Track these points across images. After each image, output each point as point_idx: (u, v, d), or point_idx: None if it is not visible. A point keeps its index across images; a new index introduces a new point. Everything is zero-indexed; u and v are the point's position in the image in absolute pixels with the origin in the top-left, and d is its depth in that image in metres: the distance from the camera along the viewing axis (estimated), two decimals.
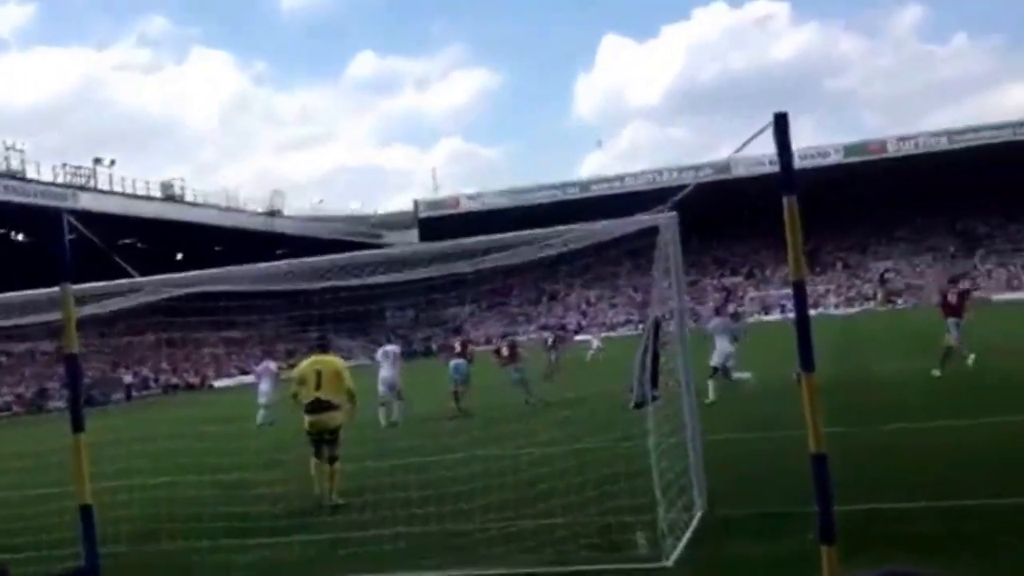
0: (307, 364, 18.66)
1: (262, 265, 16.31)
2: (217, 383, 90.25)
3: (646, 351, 13.73)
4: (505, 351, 35.14)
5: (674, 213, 13.93)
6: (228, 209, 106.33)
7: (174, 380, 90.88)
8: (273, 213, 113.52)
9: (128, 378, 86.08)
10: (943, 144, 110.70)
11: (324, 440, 17.74)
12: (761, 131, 8.73)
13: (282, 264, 17.01)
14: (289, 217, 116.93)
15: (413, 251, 18.90)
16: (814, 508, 8.28)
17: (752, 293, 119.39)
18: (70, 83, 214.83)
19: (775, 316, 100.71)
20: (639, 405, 13.64)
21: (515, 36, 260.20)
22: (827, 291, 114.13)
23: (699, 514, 13.38)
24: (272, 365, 41.81)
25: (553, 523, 13.27)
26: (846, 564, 8.21)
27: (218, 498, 18.00)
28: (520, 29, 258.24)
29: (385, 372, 32.17)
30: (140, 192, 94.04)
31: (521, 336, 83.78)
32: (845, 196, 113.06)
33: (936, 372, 28.25)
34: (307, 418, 17.90)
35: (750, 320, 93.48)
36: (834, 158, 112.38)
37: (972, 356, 29.26)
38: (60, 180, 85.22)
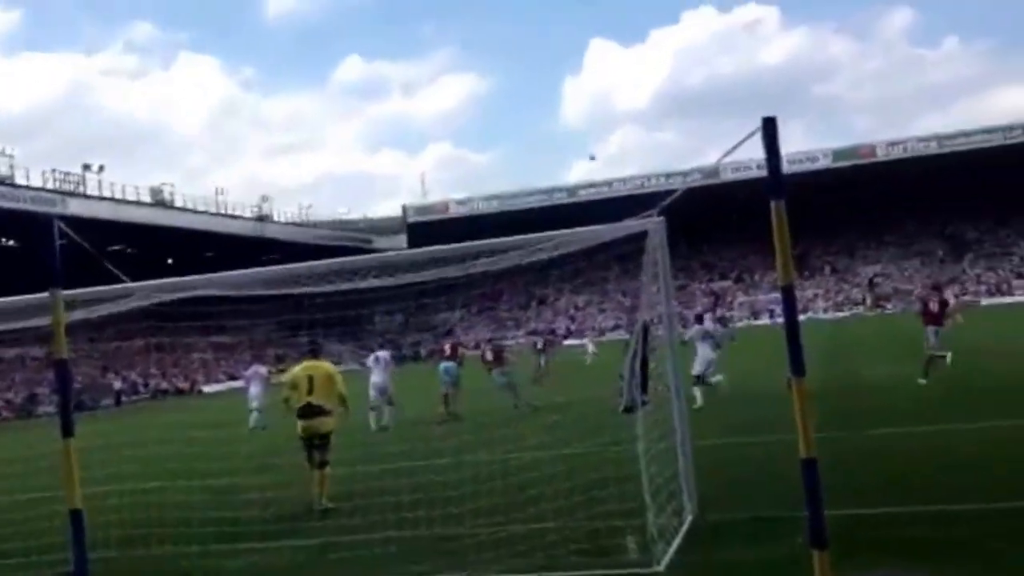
0: (299, 369, 18.63)
1: (251, 270, 16.30)
2: (206, 388, 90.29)
3: (635, 356, 13.73)
4: (490, 355, 35.21)
5: (662, 218, 13.92)
6: (218, 214, 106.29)
7: (164, 385, 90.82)
8: (263, 218, 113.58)
9: (118, 383, 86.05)
10: (933, 148, 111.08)
11: (315, 445, 17.73)
12: (749, 136, 8.72)
13: (271, 269, 16.95)
14: (278, 222, 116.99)
15: (402, 256, 18.77)
16: (804, 512, 8.27)
17: (741, 298, 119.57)
18: (58, 89, 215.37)
19: (764, 321, 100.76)
20: (628, 410, 13.63)
21: (503, 40, 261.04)
22: (816, 296, 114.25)
23: (689, 519, 13.36)
24: (262, 369, 41.87)
25: (543, 528, 13.24)
26: (836, 569, 8.24)
27: (208, 503, 17.98)
28: (508, 33, 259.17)
29: (376, 377, 32.22)
30: (130, 198, 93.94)
31: (510, 341, 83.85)
32: (834, 201, 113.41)
33: (921, 380, 28.22)
34: (299, 423, 17.90)
35: (739, 325, 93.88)
36: (823, 162, 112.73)
37: (949, 354, 29.24)
38: (50, 186, 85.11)
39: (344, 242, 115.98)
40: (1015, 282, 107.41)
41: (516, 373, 35.28)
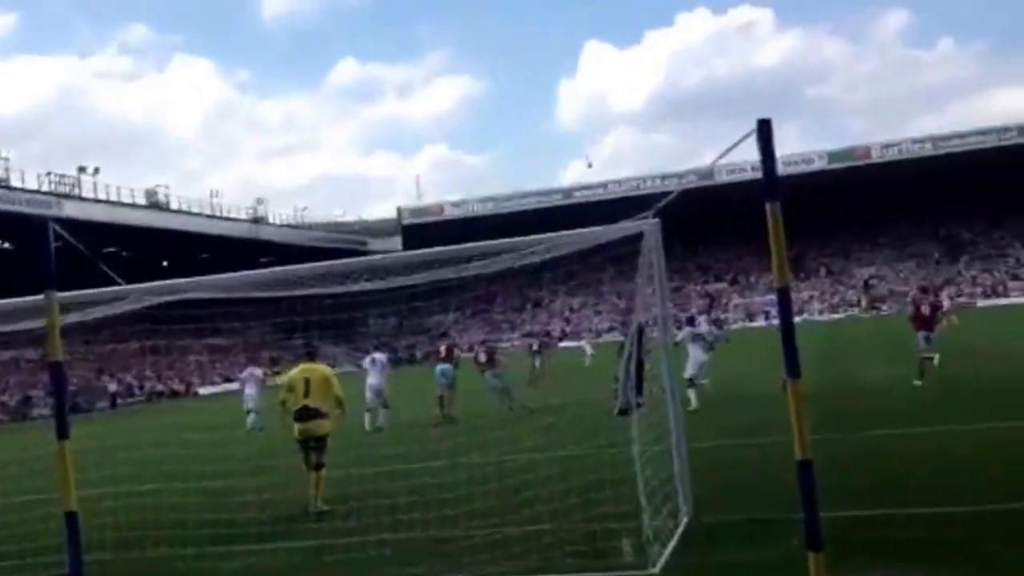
0: (296, 372, 18.66)
1: (245, 273, 16.30)
2: (202, 390, 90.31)
3: (630, 358, 13.74)
4: (483, 357, 35.32)
5: (657, 220, 13.92)
6: (213, 216, 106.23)
7: (159, 387, 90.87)
8: (258, 220, 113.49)
9: (113, 386, 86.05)
10: (928, 150, 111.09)
11: (311, 447, 17.77)
12: (744, 138, 8.72)
13: (265, 272, 16.95)
14: (273, 224, 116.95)
15: (395, 258, 18.79)
16: (800, 515, 8.28)
17: (736, 300, 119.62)
18: (52, 91, 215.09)
19: (759, 323, 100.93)
20: (623, 412, 13.64)
21: (498, 42, 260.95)
22: (811, 297, 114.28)
23: (685, 521, 13.36)
24: (257, 371, 41.88)
25: (538, 530, 13.24)
26: (832, 571, 8.24)
27: (203, 505, 17.96)
28: (503, 36, 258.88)
29: (372, 379, 32.31)
30: (125, 200, 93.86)
31: (505, 343, 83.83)
32: (829, 202, 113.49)
33: (917, 382, 28.26)
34: (296, 425, 17.93)
35: (734, 327, 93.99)
36: (818, 164, 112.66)
37: (937, 356, 29.30)
38: (45, 188, 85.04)
39: (339, 244, 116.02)
40: (1010, 284, 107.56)
41: (508, 375, 35.38)
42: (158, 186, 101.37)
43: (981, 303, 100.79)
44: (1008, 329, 52.58)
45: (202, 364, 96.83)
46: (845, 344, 55.94)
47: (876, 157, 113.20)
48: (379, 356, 34.20)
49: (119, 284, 14.16)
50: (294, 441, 18.10)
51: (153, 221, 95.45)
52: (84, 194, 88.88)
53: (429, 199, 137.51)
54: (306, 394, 17.92)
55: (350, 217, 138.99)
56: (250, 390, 38.66)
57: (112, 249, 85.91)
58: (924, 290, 42.24)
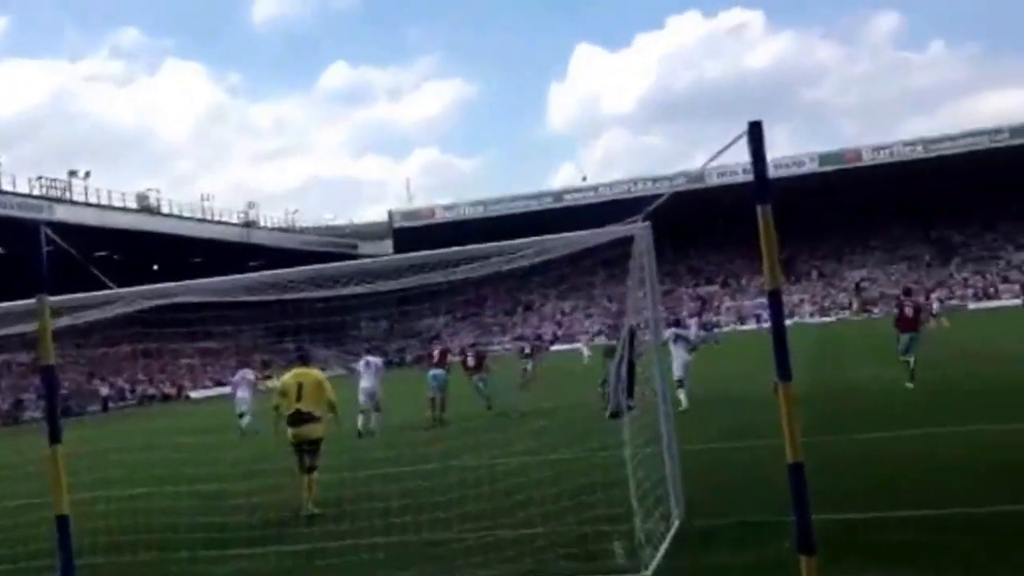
0: (289, 377, 18.71)
1: (236, 276, 16.29)
2: (194, 394, 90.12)
3: (621, 361, 13.75)
4: (472, 360, 35.46)
5: (648, 223, 13.95)
6: (204, 220, 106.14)
7: (151, 391, 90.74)
8: (249, 224, 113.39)
9: (104, 389, 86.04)
10: (919, 153, 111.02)
11: (305, 451, 17.81)
12: (735, 140, 8.72)
13: (256, 276, 16.96)
14: (264, 228, 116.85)
15: (387, 262, 18.81)
16: (791, 517, 8.27)
17: (728, 303, 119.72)
18: (43, 95, 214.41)
19: (751, 326, 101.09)
20: (615, 415, 13.67)
21: (488, 46, 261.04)
22: (802, 300, 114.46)
23: (676, 524, 13.37)
24: (249, 374, 41.86)
25: (531, 533, 13.25)
26: (823, 573, 8.25)
27: (195, 509, 17.94)
28: (493, 39, 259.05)
29: (366, 382, 32.30)
30: (116, 204, 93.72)
31: (496, 346, 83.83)
32: (820, 205, 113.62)
33: (909, 384, 28.30)
34: (289, 430, 17.99)
35: (725, 329, 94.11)
36: (809, 167, 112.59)
37: (912, 359, 29.36)
38: (36, 192, 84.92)
39: (330, 248, 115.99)
40: (1002, 286, 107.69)
41: (494, 381, 35.45)
42: (149, 190, 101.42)
43: (972, 305, 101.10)
44: (1000, 331, 52.68)
45: (194, 368, 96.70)
46: (836, 346, 55.98)
47: (867, 159, 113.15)
48: (373, 359, 34.24)
49: (110, 288, 14.16)
50: (288, 445, 18.13)
51: (144, 225, 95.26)
52: (75, 198, 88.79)
53: (420, 202, 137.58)
54: (299, 398, 17.99)
55: (341, 220, 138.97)
56: (242, 393, 38.60)
57: (103, 253, 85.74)
58: (907, 292, 42.18)
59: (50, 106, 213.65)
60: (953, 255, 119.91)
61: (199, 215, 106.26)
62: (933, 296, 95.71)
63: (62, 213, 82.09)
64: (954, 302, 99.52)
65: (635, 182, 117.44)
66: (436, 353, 36.04)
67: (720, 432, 23.00)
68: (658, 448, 13.94)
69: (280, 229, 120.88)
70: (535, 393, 38.93)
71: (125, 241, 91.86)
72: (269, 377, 41.72)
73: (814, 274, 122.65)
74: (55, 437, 10.19)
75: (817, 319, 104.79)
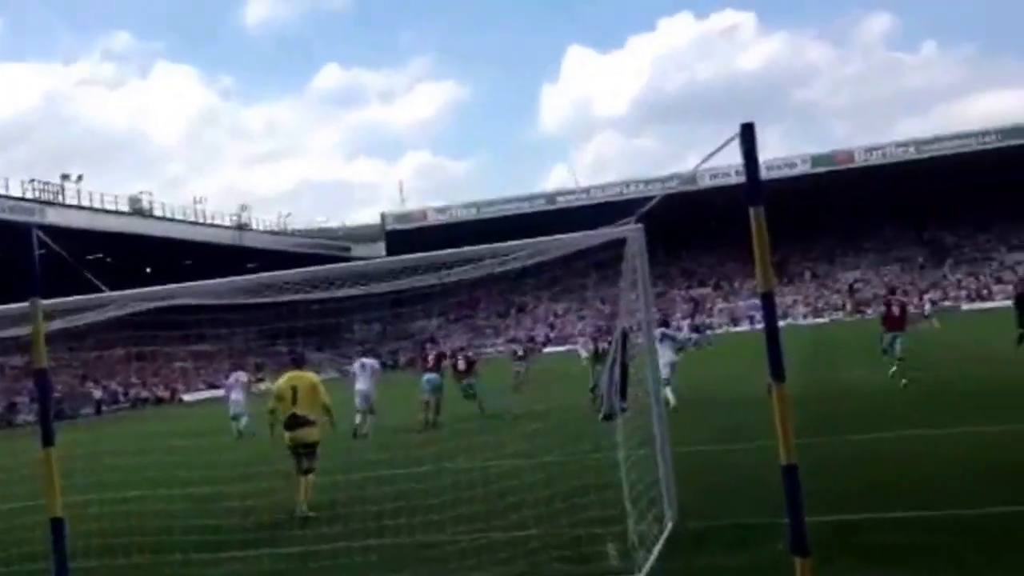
0: (283, 380, 18.70)
1: (228, 279, 16.28)
2: (187, 397, 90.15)
3: (614, 363, 13.76)
4: (463, 364, 35.46)
5: (640, 225, 13.94)
6: (196, 223, 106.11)
7: (144, 394, 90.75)
8: (242, 227, 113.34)
9: (98, 392, 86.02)
10: (911, 154, 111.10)
11: (301, 454, 17.84)
12: (728, 142, 8.72)
13: (248, 278, 16.91)
14: (257, 231, 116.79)
15: (380, 264, 18.77)
16: (785, 519, 8.28)
17: (720, 304, 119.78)
18: (35, 98, 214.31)
19: (744, 327, 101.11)
20: (608, 417, 13.67)
21: (480, 48, 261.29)
22: (795, 302, 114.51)
23: (670, 526, 13.37)
24: (243, 376, 41.89)
25: (524, 535, 13.24)
26: (817, 575, 8.26)
27: (189, 511, 17.92)
28: (485, 41, 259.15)
29: (361, 385, 32.33)
30: (108, 207, 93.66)
31: (489, 348, 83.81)
32: (813, 206, 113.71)
33: (904, 382, 28.36)
34: (286, 434, 18.02)
35: (718, 331, 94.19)
36: (801, 168, 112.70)
37: (897, 355, 29.44)
38: (28, 195, 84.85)
39: (323, 250, 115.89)
40: (995, 287, 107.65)
41: (481, 384, 35.43)
42: (141, 193, 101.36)
43: (966, 307, 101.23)
44: (993, 332, 52.64)
45: (187, 371, 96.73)
46: (830, 347, 55.97)
47: (859, 161, 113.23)
48: (369, 362, 34.33)
49: (103, 291, 14.16)
50: (285, 448, 18.15)
51: (137, 228, 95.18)
52: (67, 201, 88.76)
53: (412, 205, 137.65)
54: (294, 402, 18.01)
55: (334, 223, 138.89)
56: (236, 395, 38.60)
57: (96, 256, 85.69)
58: (893, 291, 42.24)
59: (42, 109, 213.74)
60: (946, 256, 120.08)
61: (191, 218, 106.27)
62: (925, 297, 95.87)
63: (54, 216, 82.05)
64: (947, 303, 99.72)
65: (627, 184, 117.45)
66: (431, 357, 36.06)
67: (714, 434, 23.03)
68: (651, 450, 13.94)
69: (272, 232, 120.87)
70: (528, 395, 38.92)
71: (117, 244, 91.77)
72: (262, 380, 41.74)
73: (807, 275, 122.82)
74: (48, 440, 10.19)
75: (810, 320, 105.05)
